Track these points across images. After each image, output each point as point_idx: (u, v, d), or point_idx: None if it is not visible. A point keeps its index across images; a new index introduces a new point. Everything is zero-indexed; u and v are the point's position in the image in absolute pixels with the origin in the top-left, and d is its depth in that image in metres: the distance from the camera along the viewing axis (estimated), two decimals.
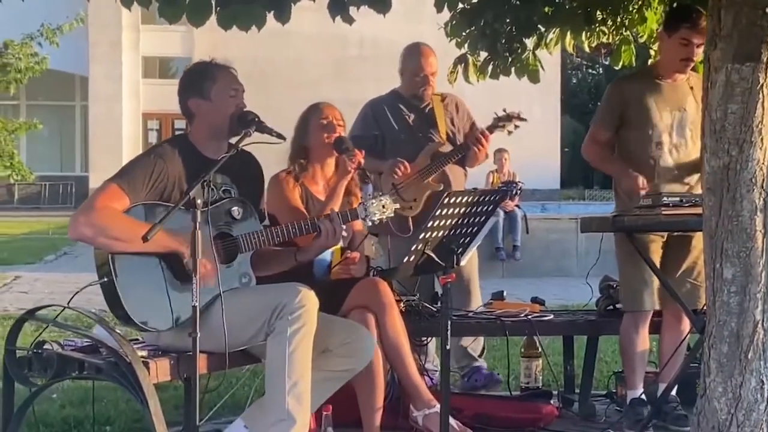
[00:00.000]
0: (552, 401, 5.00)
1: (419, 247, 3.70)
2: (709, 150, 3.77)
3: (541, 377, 5.34)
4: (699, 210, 4.20)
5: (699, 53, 4.77)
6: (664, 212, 4.51)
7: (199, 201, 3.43)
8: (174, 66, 31.98)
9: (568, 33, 6.01)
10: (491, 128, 5.62)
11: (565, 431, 4.77)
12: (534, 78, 6.28)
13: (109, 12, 27.01)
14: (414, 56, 5.70)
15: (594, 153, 5.08)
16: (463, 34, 6.00)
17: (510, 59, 6.15)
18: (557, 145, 30.45)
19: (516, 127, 5.67)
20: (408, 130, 5.59)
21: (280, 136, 3.80)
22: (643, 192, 4.75)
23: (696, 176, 4.83)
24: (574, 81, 44.52)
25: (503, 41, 6.00)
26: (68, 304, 3.73)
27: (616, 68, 6.36)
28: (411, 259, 3.71)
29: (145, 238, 3.41)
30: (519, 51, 6.13)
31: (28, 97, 29.86)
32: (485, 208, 3.87)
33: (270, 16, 4.74)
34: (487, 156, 5.73)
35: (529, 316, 5.02)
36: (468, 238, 3.89)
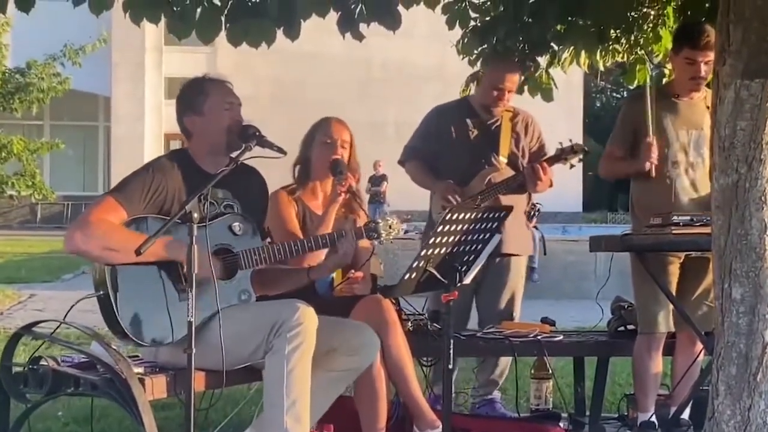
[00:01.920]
0: (561, 423, 4.92)
1: (420, 264, 3.63)
2: (718, 167, 3.70)
3: (551, 399, 5.26)
4: (710, 230, 4.13)
5: (709, 71, 4.71)
6: (674, 231, 4.46)
7: (195, 215, 3.39)
8: None
9: (582, 51, 5.99)
10: (552, 160, 5.29)
11: None
12: (547, 96, 6.26)
13: (132, 33, 27.14)
14: (498, 68, 5.37)
15: (609, 165, 5.04)
16: (475, 52, 5.99)
17: (523, 77, 6.13)
18: (580, 167, 30.20)
19: (580, 161, 5.33)
20: (468, 149, 5.32)
21: (281, 150, 3.76)
22: (654, 156, 4.68)
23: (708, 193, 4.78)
24: (599, 104, 44.39)
25: (516, 59, 5.98)
26: (64, 318, 3.70)
27: (631, 87, 6.33)
28: (412, 276, 3.65)
29: (138, 252, 3.37)
30: (532, 69, 6.11)
31: (51, 117, 30.06)
32: (489, 225, 3.80)
33: (280, 35, 4.76)
34: (551, 185, 5.41)
35: (539, 337, 4.94)
36: (472, 256, 3.82)
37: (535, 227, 13.11)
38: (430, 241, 3.63)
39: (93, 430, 4.46)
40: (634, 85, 6.36)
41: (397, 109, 27.77)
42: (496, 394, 5.46)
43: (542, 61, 6.10)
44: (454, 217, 3.63)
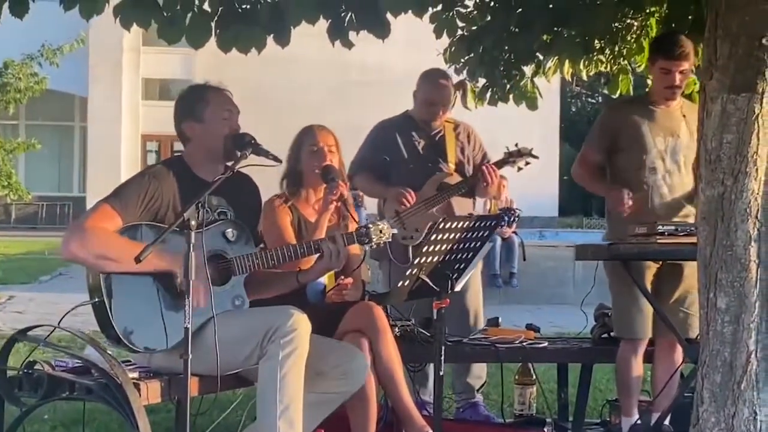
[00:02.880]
0: (546, 429, 4.97)
1: (414, 272, 3.69)
2: (704, 179, 3.78)
3: (535, 404, 5.32)
4: (694, 239, 4.21)
5: (684, 79, 4.85)
6: (659, 241, 4.53)
7: (193, 222, 3.43)
8: (174, 88, 31.98)
9: (567, 61, 6.06)
10: (500, 163, 5.45)
11: None
12: (532, 105, 6.33)
13: (110, 33, 27.05)
14: (428, 84, 5.51)
15: (582, 173, 5.12)
16: (462, 60, 6.05)
17: (508, 86, 6.20)
18: (556, 172, 30.47)
19: (527, 163, 5.51)
20: (417, 158, 5.47)
21: (276, 158, 3.80)
22: (629, 205, 4.75)
23: (687, 202, 4.89)
24: (573, 109, 44.61)
25: (502, 68, 6.06)
26: (59, 324, 3.72)
27: (614, 97, 6.40)
28: (405, 284, 3.71)
29: (137, 259, 3.40)
30: (517, 78, 6.18)
31: (27, 116, 29.89)
32: (481, 233, 3.87)
33: (270, 41, 4.80)
34: (500, 187, 5.57)
35: (524, 343, 5.00)
36: (463, 264, 3.88)
37: (514, 233, 13.22)
38: (424, 250, 3.68)
39: None
40: (617, 95, 6.44)
41: (375, 113, 27.63)
42: (479, 398, 5.53)
43: (527, 70, 6.16)
44: (447, 226, 3.69)
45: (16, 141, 22.05)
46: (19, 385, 3.69)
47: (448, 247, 3.75)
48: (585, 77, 6.49)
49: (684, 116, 4.93)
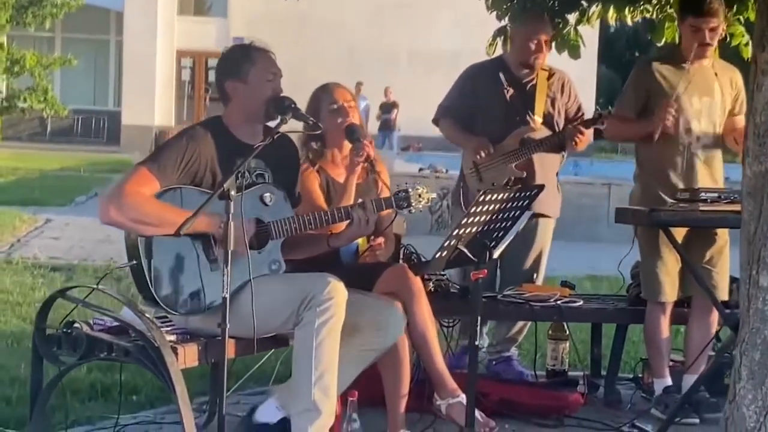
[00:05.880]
0: (578, 389, 4.97)
1: (451, 243, 3.66)
2: (752, 154, 3.68)
3: (567, 360, 5.32)
4: (736, 207, 4.16)
5: (714, 36, 4.79)
6: (701, 208, 4.48)
7: (232, 192, 3.42)
8: (209, 2, 31.81)
9: (611, 8, 5.93)
10: (588, 124, 5.31)
11: (590, 419, 4.74)
12: (574, 54, 6.21)
13: None
14: (531, 21, 5.32)
15: (613, 127, 5.14)
16: (505, 6, 5.92)
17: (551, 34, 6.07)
18: (593, 95, 30.08)
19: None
20: (504, 107, 5.31)
21: (315, 124, 3.76)
22: (671, 119, 4.74)
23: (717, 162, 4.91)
24: (612, 30, 43.93)
25: (545, 15, 5.92)
26: (97, 285, 3.74)
27: (659, 45, 6.26)
28: (443, 254, 3.68)
29: (178, 233, 3.41)
30: (560, 26, 6.05)
31: (63, 30, 29.87)
32: (521, 203, 3.82)
33: None
34: (589, 142, 5.43)
35: (559, 302, 4.97)
36: (501, 232, 3.84)
37: None
38: (462, 221, 3.65)
39: (122, 381, 4.53)
40: (662, 43, 6.30)
41: (410, 37, 27.55)
42: (513, 352, 5.51)
43: (571, 18, 6.04)
44: (488, 198, 3.65)
45: (53, 57, 22.09)
46: (58, 343, 3.72)
47: (487, 218, 3.71)
48: (630, 22, 6.35)
49: (716, 74, 4.89)
